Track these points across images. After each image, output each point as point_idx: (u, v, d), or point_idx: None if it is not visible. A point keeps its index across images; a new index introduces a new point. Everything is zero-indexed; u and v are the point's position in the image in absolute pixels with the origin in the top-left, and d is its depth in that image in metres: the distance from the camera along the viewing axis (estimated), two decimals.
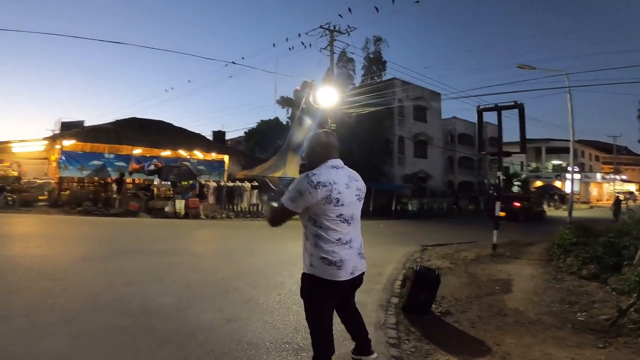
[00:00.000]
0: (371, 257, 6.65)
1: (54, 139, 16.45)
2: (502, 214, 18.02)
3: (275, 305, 3.69)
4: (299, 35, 16.40)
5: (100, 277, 4.55)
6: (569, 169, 38.37)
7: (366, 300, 4.05)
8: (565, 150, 30.21)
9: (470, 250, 7.70)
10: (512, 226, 14.28)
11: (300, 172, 2.43)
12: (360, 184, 2.14)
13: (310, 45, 16.49)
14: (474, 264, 6.36)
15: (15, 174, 15.50)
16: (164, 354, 2.52)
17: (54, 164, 15.66)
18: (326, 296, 2.04)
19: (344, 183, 2.00)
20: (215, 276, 4.85)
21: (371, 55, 25.42)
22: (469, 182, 31.89)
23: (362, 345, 2.46)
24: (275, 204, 2.02)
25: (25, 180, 15.17)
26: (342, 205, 1.98)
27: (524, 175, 35.46)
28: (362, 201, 2.16)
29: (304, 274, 2.06)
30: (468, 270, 5.89)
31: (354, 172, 2.16)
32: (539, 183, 39.63)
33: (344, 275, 1.99)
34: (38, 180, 15.21)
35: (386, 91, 20.07)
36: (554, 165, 43.03)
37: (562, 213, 23.73)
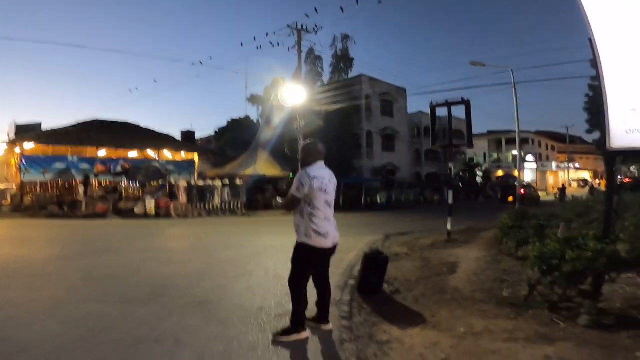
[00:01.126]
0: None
1: (13, 143, 15.83)
2: (510, 198, 19.83)
3: (243, 290, 4.11)
4: (267, 34, 16.59)
5: (78, 273, 4.81)
6: (527, 158, 40.98)
7: None
8: (524, 142, 32.19)
9: (428, 238, 8.16)
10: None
11: (292, 171, 3.32)
12: (334, 180, 2.99)
13: (278, 44, 16.84)
14: (429, 250, 6.80)
15: None
16: (143, 331, 2.91)
17: (14, 169, 15.13)
18: (313, 260, 2.85)
19: (328, 178, 2.88)
20: (188, 268, 5.20)
21: (339, 53, 26.09)
22: (435, 173, 33.31)
23: (322, 313, 3.05)
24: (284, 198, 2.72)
25: None
26: (327, 193, 2.84)
27: (485, 166, 37.36)
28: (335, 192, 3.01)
29: (299, 244, 2.84)
30: (423, 255, 6.26)
31: (330, 171, 3.01)
32: (500, 173, 41.89)
33: (329, 244, 2.83)
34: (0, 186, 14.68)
35: (354, 87, 20.71)
36: (513, 156, 45.61)
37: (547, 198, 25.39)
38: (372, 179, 24.50)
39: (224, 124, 29.80)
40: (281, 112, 18.31)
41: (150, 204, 13.53)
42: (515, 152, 44.61)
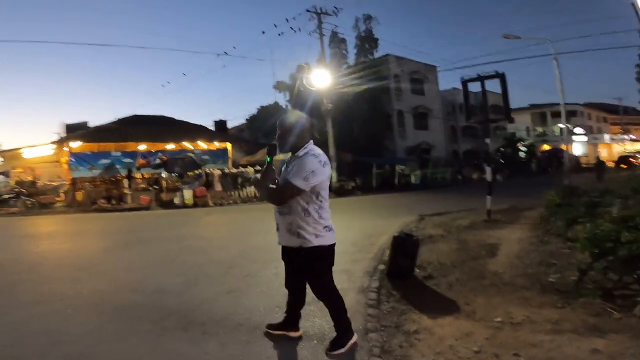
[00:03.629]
0: (367, 229, 7.24)
1: (61, 142, 17.06)
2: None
3: (271, 277, 4.11)
4: (287, 20, 16.46)
5: (120, 264, 5.10)
6: (576, 131, 37.93)
7: (354, 268, 4.39)
8: (572, 114, 29.69)
9: (466, 218, 7.78)
10: None
11: (268, 152, 2.55)
12: None
13: (299, 29, 16.56)
14: (466, 231, 6.44)
15: (30, 178, 16.22)
16: (173, 320, 3.00)
17: (65, 166, 16.31)
18: (332, 260, 2.37)
19: (329, 161, 2.37)
20: (221, 255, 5.35)
21: (362, 34, 25.37)
22: (473, 150, 31.89)
23: (294, 319, 2.62)
24: (273, 186, 2.30)
25: (41, 183, 15.90)
26: (329, 180, 2.38)
27: (529, 140, 35.17)
28: None
29: (309, 249, 2.23)
30: (460, 237, 5.93)
31: None
32: (546, 147, 39.29)
33: (335, 238, 2.37)
34: (53, 183, 15.92)
35: (380, 67, 20.10)
36: (560, 128, 42.51)
37: None
38: (406, 158, 23.91)
39: (254, 111, 30.23)
40: (307, 96, 18.20)
41: (188, 194, 14.07)
42: (561, 125, 41.77)
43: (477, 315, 2.97)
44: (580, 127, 40.38)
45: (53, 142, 17.56)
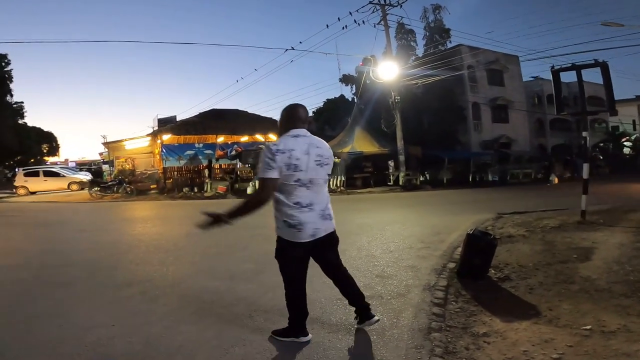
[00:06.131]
0: (436, 225, 6.94)
1: (154, 134, 19.20)
2: None
3: None
4: (350, 13, 16.35)
5: (198, 249, 5.64)
6: None
7: (421, 265, 4.27)
8: None
9: (554, 218, 7.04)
10: None
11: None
12: (322, 151, 2.33)
13: (363, 22, 16.30)
14: (554, 232, 5.88)
15: (130, 167, 18.66)
16: (240, 307, 3.23)
17: (157, 157, 18.39)
18: (290, 256, 2.32)
19: (303, 150, 2.22)
20: None
21: (432, 25, 24.05)
22: (564, 144, 28.33)
23: (361, 311, 2.58)
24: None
25: (138, 172, 18.20)
26: (300, 170, 2.19)
27: (635, 135, 30.13)
28: (327, 167, 2.37)
29: (277, 237, 2.35)
30: (545, 238, 5.45)
31: (319, 139, 2.39)
32: None
33: (304, 237, 2.24)
34: (148, 172, 18.10)
35: (453, 58, 18.88)
36: None
37: None
38: (482, 153, 22.18)
39: (320, 104, 30.70)
40: (374, 89, 17.90)
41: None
42: None
43: (561, 322, 2.70)
44: None
45: (148, 135, 19.82)
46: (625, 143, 28.14)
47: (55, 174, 20.65)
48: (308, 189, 2.25)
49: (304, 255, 2.38)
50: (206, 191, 15.54)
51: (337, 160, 16.37)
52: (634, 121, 32.75)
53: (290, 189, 2.22)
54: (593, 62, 6.41)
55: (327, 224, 2.36)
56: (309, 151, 2.25)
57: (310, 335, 2.51)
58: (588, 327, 2.57)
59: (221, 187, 15.43)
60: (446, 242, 5.39)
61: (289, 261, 2.37)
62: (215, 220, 2.24)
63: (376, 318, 2.60)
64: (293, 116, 2.34)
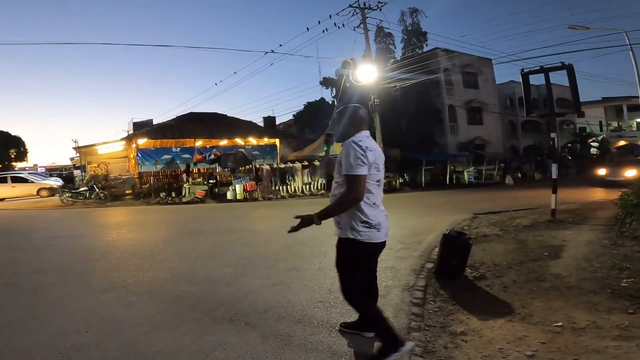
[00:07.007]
0: (414, 226, 7.07)
1: (129, 138, 18.64)
2: None
3: (315, 271, 4.20)
4: (330, 16, 16.51)
5: (176, 254, 5.51)
6: None
7: (400, 266, 4.34)
8: None
9: (526, 217, 7.32)
10: None
11: (326, 141, 2.65)
12: (381, 153, 2.33)
13: (343, 25, 16.51)
14: (526, 231, 6.08)
15: (103, 172, 18.02)
16: (220, 311, 3.18)
17: (133, 161, 17.86)
18: (369, 259, 2.29)
19: (379, 151, 2.26)
20: (267, 249, 5.54)
21: (409, 28, 24.65)
22: (535, 146, 29.54)
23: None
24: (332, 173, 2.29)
25: (112, 177, 17.60)
26: (379, 170, 2.20)
27: (602, 136, 31.73)
28: (384, 169, 2.36)
29: (344, 240, 2.21)
30: (518, 236, 5.63)
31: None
32: (622, 142, 35.09)
33: (381, 237, 2.22)
34: (123, 177, 17.54)
35: (429, 61, 19.37)
36: (637, 123, 37.66)
37: None
38: (458, 155, 22.77)
39: (301, 107, 30.74)
40: (354, 92, 18.09)
41: (239, 188, 14.71)
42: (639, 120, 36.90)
43: (534, 319, 2.80)
44: None
45: (122, 139, 19.23)
46: (592, 143, 29.52)
47: (24, 180, 19.69)
48: (380, 188, 2.28)
49: (377, 256, 2.40)
50: (184, 196, 15.21)
51: (316, 163, 16.41)
52: (600, 122, 34.45)
53: (372, 189, 2.20)
54: (560, 64, 6.69)
55: (388, 224, 2.35)
56: (381, 153, 2.29)
57: (411, 343, 2.33)
58: (559, 324, 2.66)
59: (200, 192, 15.14)
60: (424, 243, 5.51)
61: (364, 263, 2.30)
62: (307, 222, 2.25)
63: (371, 334, 2.50)
64: (361, 118, 2.32)
